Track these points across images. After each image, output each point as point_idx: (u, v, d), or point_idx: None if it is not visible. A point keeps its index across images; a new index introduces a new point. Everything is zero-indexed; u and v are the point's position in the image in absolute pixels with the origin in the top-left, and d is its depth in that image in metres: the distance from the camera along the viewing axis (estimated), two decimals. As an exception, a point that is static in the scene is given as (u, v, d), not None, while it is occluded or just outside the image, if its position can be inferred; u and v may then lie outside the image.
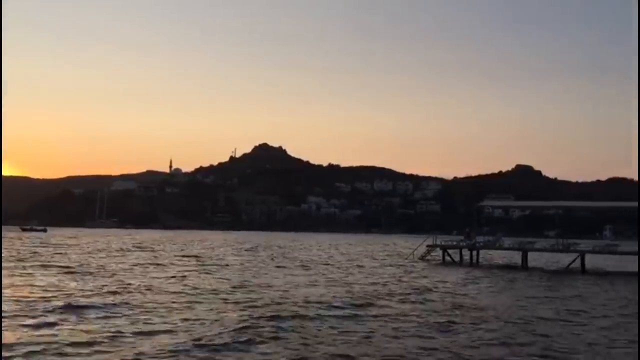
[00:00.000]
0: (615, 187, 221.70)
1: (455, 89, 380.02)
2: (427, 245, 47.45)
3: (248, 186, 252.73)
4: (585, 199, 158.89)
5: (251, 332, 13.66)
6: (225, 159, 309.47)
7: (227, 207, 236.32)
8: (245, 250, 59.91)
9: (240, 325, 14.45)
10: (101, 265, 32.60)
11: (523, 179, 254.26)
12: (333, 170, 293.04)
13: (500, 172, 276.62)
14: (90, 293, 19.89)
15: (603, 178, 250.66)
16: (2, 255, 35.43)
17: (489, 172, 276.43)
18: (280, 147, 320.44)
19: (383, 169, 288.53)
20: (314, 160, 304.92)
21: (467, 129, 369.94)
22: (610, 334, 15.23)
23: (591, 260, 44.45)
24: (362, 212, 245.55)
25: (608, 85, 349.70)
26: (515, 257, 46.73)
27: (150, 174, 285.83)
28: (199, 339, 12.67)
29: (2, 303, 15.45)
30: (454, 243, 48.04)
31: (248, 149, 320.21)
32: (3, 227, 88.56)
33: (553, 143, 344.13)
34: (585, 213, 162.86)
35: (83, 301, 17.77)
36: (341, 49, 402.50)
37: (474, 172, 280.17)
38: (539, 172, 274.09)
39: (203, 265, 36.26)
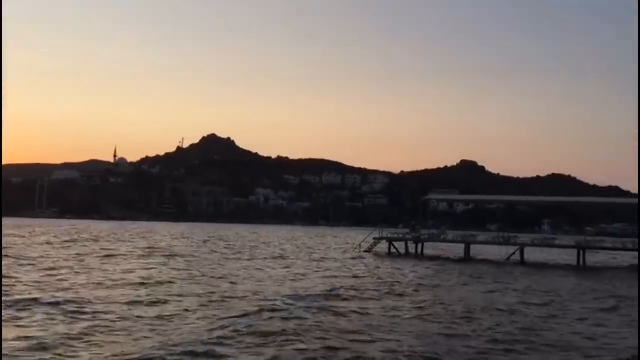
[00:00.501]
0: (554, 183, 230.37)
1: (404, 85, 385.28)
2: (374, 238, 48.10)
3: (195, 177, 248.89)
4: (526, 194, 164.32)
5: (220, 331, 13.03)
6: (173, 149, 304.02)
7: (174, 198, 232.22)
8: (203, 242, 59.20)
9: (208, 324, 13.83)
10: (42, 257, 31.58)
11: (467, 174, 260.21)
12: (282, 162, 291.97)
13: (446, 167, 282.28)
14: (30, 287, 19.20)
15: (542, 174, 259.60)
16: None
17: (435, 166, 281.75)
18: (228, 139, 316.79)
19: (332, 162, 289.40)
20: (263, 152, 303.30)
21: (414, 124, 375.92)
22: (547, 323, 15.95)
23: (530, 253, 46.25)
24: (310, 204, 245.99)
25: (550, 83, 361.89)
26: (459, 250, 47.99)
27: (93, 163, 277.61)
28: (162, 342, 11.76)
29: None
30: (400, 236, 48.97)
31: (196, 140, 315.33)
32: None
33: (496, 140, 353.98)
34: (525, 207, 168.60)
35: (23, 296, 16.92)
36: (291, 41, 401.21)
37: (420, 167, 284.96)
38: (483, 168, 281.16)
39: (154, 256, 35.62)
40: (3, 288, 18.15)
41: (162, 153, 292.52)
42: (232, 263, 33.00)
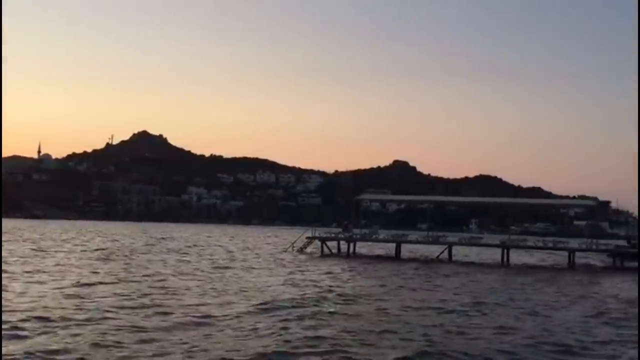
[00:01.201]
0: (481, 183, 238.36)
1: (337, 84, 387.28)
2: (307, 237, 48.20)
3: (125, 175, 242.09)
4: (455, 194, 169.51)
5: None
6: (101, 145, 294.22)
7: (102, 196, 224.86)
8: (142, 242, 57.51)
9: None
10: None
11: (399, 174, 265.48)
12: (215, 160, 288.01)
13: (379, 167, 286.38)
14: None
15: (470, 175, 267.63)
16: None
17: (368, 166, 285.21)
18: (160, 136, 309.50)
19: (266, 160, 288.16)
20: (196, 150, 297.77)
21: (348, 124, 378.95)
22: (474, 321, 16.53)
23: (458, 251, 47.83)
24: (244, 203, 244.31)
25: (478, 85, 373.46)
26: (391, 248, 48.90)
27: (15, 159, 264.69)
28: None
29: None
30: (333, 235, 49.33)
31: (126, 136, 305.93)
32: None
33: (427, 141, 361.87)
34: (454, 207, 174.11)
35: None
36: (226, 38, 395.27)
37: (354, 167, 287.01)
38: (414, 168, 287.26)
39: (84, 258, 34.32)
40: None
41: (89, 149, 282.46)
42: (172, 263, 32.28)
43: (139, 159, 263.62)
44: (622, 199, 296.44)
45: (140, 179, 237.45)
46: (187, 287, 21.52)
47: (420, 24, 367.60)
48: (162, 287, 21.00)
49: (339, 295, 20.80)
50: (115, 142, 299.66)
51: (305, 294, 20.54)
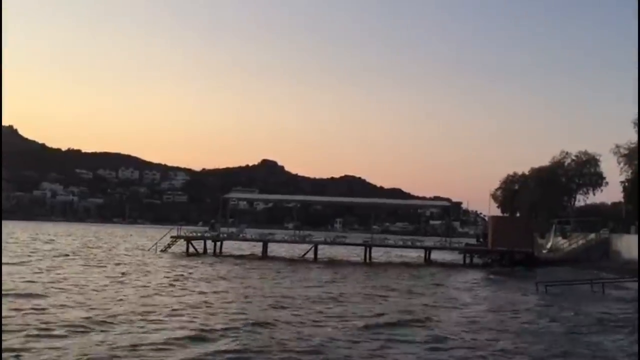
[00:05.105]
0: (346, 184, 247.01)
1: (205, 80, 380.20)
2: (172, 237, 46.86)
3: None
4: (321, 194, 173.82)
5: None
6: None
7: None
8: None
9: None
10: None
11: (268, 173, 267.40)
12: (73, 155, 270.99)
13: (247, 165, 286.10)
14: None
15: (336, 175, 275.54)
16: None
17: (236, 165, 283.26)
18: (10, 127, 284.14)
19: (129, 156, 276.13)
20: (51, 144, 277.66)
21: (216, 121, 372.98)
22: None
23: (323, 250, 49.05)
24: (104, 200, 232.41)
25: (344, 89, 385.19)
26: (257, 248, 48.91)
27: None
28: None
29: None
30: (199, 234, 48.39)
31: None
32: None
33: (295, 140, 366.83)
34: (320, 207, 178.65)
35: None
36: (92, 26, 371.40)
37: (222, 165, 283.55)
38: (282, 167, 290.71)
39: None
40: None
41: None
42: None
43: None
44: (472, 200, 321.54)
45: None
46: None
47: (299, 24, 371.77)
48: None
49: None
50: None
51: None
